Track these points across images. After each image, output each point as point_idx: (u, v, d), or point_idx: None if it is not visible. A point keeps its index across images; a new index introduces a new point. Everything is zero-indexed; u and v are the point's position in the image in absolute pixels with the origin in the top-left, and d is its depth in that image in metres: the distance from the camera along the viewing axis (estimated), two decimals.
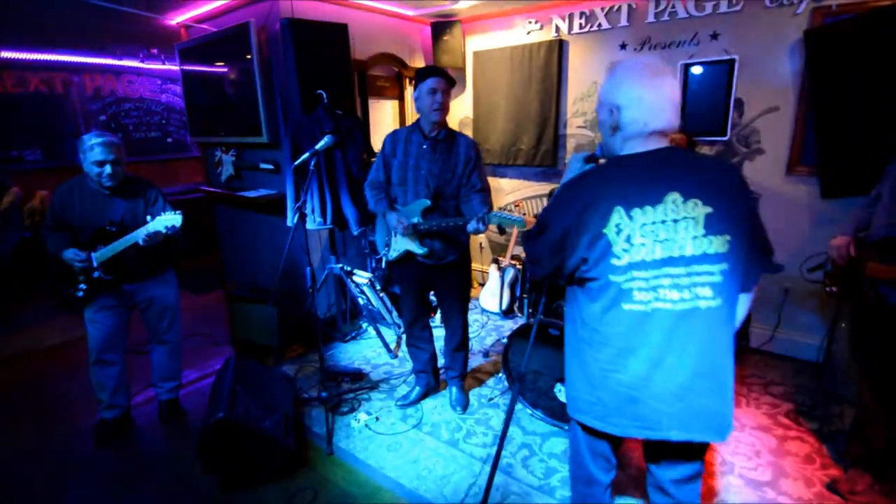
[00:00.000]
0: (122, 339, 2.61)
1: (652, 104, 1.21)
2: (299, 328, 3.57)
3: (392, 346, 3.53)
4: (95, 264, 2.36)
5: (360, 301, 3.60)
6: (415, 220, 2.38)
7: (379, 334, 3.48)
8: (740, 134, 3.24)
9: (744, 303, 1.33)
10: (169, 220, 2.26)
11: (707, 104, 3.31)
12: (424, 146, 2.36)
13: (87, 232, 2.37)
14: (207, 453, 2.23)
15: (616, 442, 1.52)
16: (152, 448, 2.61)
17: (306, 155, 2.38)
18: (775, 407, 2.73)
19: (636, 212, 1.19)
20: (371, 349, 3.56)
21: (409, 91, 4.41)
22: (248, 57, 3.33)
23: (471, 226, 2.15)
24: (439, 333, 2.81)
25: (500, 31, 4.19)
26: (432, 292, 2.84)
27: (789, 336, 3.29)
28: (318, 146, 2.41)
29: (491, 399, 2.88)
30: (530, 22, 3.97)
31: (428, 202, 2.36)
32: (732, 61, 3.14)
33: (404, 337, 2.78)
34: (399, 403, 2.81)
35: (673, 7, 3.29)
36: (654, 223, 1.19)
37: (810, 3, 2.83)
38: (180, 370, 2.88)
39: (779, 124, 3.10)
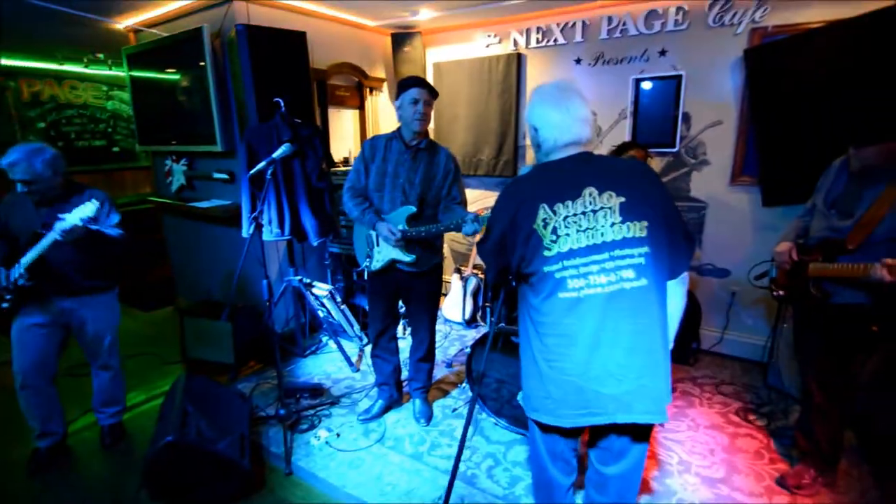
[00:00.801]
0: (51, 363, 2.40)
1: (560, 123, 1.39)
2: (256, 344, 3.43)
3: (354, 359, 3.45)
4: (22, 270, 2.19)
5: (321, 314, 3.51)
6: (401, 227, 2.36)
7: (340, 348, 3.40)
8: (688, 146, 3.40)
9: (676, 292, 1.44)
10: (83, 211, 2.04)
11: (657, 117, 3.47)
12: (405, 154, 2.36)
13: (24, 239, 2.21)
14: (155, 480, 2.10)
15: (573, 441, 1.56)
16: (94, 476, 2.43)
17: (263, 164, 2.31)
18: (726, 406, 2.84)
19: (559, 206, 1.34)
20: (332, 363, 3.47)
21: (369, 101, 4.39)
22: (202, 63, 3.22)
23: (467, 228, 2.15)
24: (402, 345, 2.78)
25: (460, 43, 4.25)
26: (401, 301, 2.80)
27: (737, 337, 3.46)
28: (275, 154, 2.35)
29: (455, 409, 2.85)
30: (489, 35, 4.05)
31: (413, 209, 2.35)
32: (680, 77, 3.31)
33: (367, 349, 2.71)
34: (361, 418, 2.74)
35: (624, 24, 3.44)
36: (575, 214, 1.34)
37: (749, 24, 3.03)
38: (124, 394, 2.70)
39: (722, 137, 3.27)
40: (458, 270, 4.25)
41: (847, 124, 1.93)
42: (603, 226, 1.33)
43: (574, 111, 1.39)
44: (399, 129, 2.39)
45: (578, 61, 3.71)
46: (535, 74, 3.94)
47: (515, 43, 3.94)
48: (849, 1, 2.72)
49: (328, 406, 2.91)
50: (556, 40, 3.76)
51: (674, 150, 3.43)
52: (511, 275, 1.51)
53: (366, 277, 2.50)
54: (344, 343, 3.57)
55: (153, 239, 4.75)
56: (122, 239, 2.31)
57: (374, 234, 2.44)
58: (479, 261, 4.29)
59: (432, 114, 2.36)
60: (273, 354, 2.56)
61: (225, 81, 3.31)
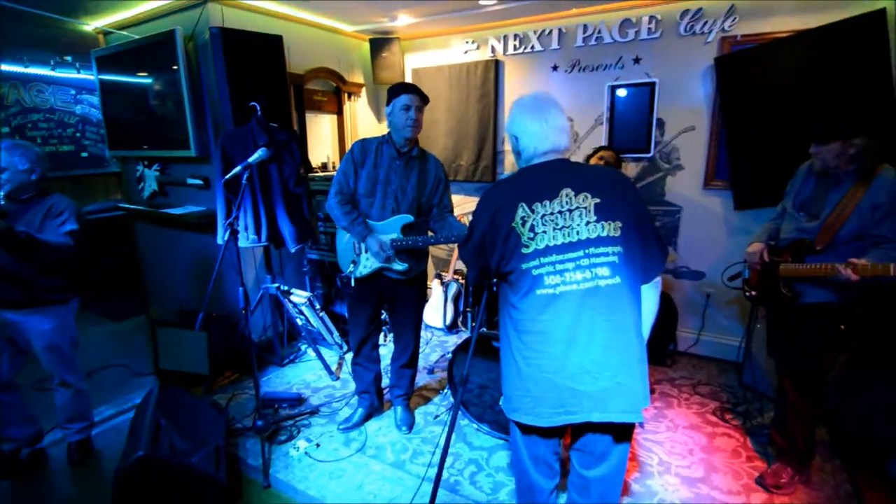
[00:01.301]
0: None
1: (539, 132, 1.47)
2: (232, 353, 3.35)
3: (333, 367, 3.40)
4: None
5: (299, 322, 3.45)
6: (394, 235, 2.33)
7: (319, 356, 3.34)
8: (662, 151, 3.47)
9: (649, 296, 1.50)
10: None
11: (633, 123, 3.53)
12: (397, 161, 2.33)
13: None
14: (126, 497, 2.01)
15: (554, 443, 1.56)
16: (61, 495, 2.32)
17: (238, 168, 2.26)
18: (703, 406, 2.89)
19: (536, 205, 1.40)
20: (311, 372, 3.41)
21: (348, 106, 4.36)
22: (175, 66, 3.15)
23: None
24: (382, 352, 2.75)
25: (438, 49, 4.27)
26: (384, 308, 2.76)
27: (713, 338, 3.53)
28: (250, 159, 2.30)
29: (437, 416, 2.83)
30: (467, 42, 4.07)
31: (411, 218, 2.33)
32: (653, 84, 3.38)
33: (347, 357, 2.66)
34: (342, 427, 2.69)
35: (599, 32, 3.50)
36: (552, 213, 1.40)
37: (719, 33, 3.12)
38: (90, 409, 2.59)
39: (695, 142, 3.35)
40: (439, 276, 4.24)
41: (811, 128, 2.00)
42: (578, 224, 1.38)
43: (552, 121, 1.47)
44: (389, 134, 2.35)
45: (555, 68, 3.76)
46: (514, 81, 3.98)
47: (493, 49, 3.97)
48: (812, 13, 2.83)
49: (307, 416, 2.85)
50: (533, 47, 3.81)
51: (649, 155, 3.50)
52: (491, 275, 1.55)
53: (352, 284, 2.44)
54: (323, 351, 3.51)
55: (124, 247, 4.61)
56: (63, 246, 2.18)
57: (379, 237, 2.37)
58: (459, 266, 4.28)
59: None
60: (250, 364, 2.49)
61: (199, 85, 3.24)
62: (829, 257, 1.93)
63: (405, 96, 2.23)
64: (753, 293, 2.34)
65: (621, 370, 1.36)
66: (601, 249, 1.37)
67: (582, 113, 3.70)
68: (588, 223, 1.38)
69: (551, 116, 1.47)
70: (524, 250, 1.40)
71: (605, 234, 1.37)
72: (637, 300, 1.43)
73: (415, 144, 2.36)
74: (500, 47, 3.94)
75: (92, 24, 3.74)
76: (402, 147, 2.32)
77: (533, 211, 1.40)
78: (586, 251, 1.37)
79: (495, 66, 3.96)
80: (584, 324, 1.36)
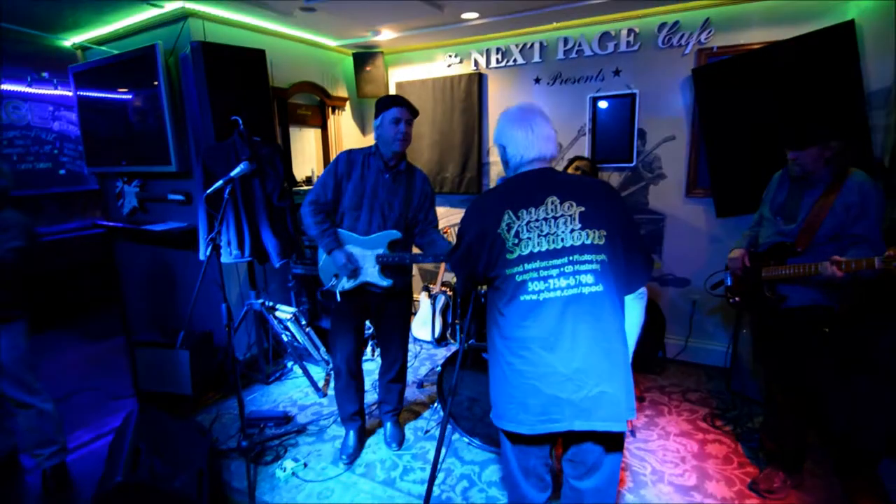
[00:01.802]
0: None
1: (524, 141, 1.49)
2: (216, 372, 3.26)
3: (320, 383, 3.33)
4: None
5: (284, 338, 3.38)
6: (380, 251, 2.28)
7: (306, 372, 3.28)
8: (644, 160, 3.52)
9: (633, 306, 1.49)
10: None
11: (615, 134, 3.58)
12: (385, 175, 2.28)
13: None
14: None
15: (544, 453, 1.54)
16: None
17: (220, 183, 2.22)
18: (694, 413, 2.89)
19: (522, 212, 1.42)
20: (297, 389, 3.34)
21: (332, 120, 4.35)
22: (155, 81, 3.12)
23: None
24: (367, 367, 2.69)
25: (422, 63, 4.30)
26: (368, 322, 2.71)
27: (700, 345, 3.55)
28: (232, 173, 2.26)
29: (427, 431, 2.78)
30: (451, 56, 4.11)
31: (399, 234, 2.29)
32: (634, 95, 3.44)
33: (337, 377, 2.58)
34: (345, 460, 2.51)
35: (580, 45, 3.56)
36: (537, 220, 1.41)
37: (695, 45, 3.19)
38: (60, 432, 2.44)
39: (676, 151, 3.41)
40: (427, 288, 4.21)
41: (788, 135, 2.06)
42: (563, 231, 1.39)
43: (538, 130, 1.49)
44: (376, 147, 2.30)
45: (537, 80, 3.81)
46: (497, 93, 4.02)
47: (476, 63, 4.01)
48: (784, 25, 2.92)
49: (294, 434, 2.78)
50: (515, 60, 3.85)
51: (631, 164, 3.55)
52: (479, 282, 1.56)
53: (338, 299, 2.37)
54: (310, 367, 3.45)
55: (104, 265, 4.49)
56: (2, 262, 2.08)
57: (347, 251, 2.33)
58: (448, 278, 4.26)
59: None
60: (234, 383, 2.42)
61: (180, 100, 3.21)
62: (809, 258, 1.97)
63: (395, 109, 2.19)
64: (737, 299, 2.37)
65: (604, 378, 1.35)
66: (585, 257, 1.38)
67: (565, 124, 3.75)
68: (573, 231, 1.39)
69: (537, 125, 1.49)
70: (509, 256, 1.41)
71: (589, 241, 1.38)
72: (620, 309, 1.43)
73: (403, 158, 2.33)
74: (483, 61, 3.98)
75: (70, 40, 3.69)
76: (390, 161, 2.28)
77: (518, 217, 1.41)
78: (571, 258, 1.38)
79: (479, 80, 4.00)
80: (567, 331, 1.36)
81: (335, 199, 2.31)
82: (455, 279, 1.67)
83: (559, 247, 1.38)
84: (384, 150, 2.27)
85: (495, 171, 4.16)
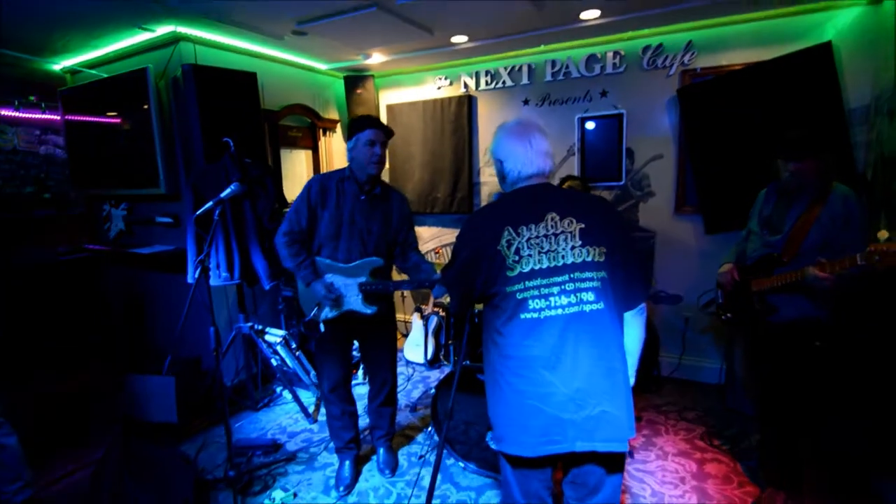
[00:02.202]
0: None
1: (522, 156, 1.48)
2: (203, 398, 3.17)
3: (311, 409, 3.25)
4: None
5: (274, 362, 3.31)
6: (362, 279, 2.23)
7: (296, 398, 3.20)
8: (633, 179, 3.56)
9: (633, 324, 1.47)
10: None
11: (603, 153, 3.63)
12: (362, 199, 2.22)
13: None
14: None
15: (545, 476, 1.51)
16: None
17: (210, 204, 2.19)
18: (691, 431, 2.85)
19: (522, 228, 1.40)
20: (287, 415, 3.25)
21: (323, 142, 4.37)
22: (145, 103, 3.11)
23: (438, 290, 2.05)
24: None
25: (412, 86, 4.35)
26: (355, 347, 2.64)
27: (694, 362, 3.53)
28: (223, 194, 2.24)
29: (421, 456, 2.71)
30: (440, 78, 4.17)
31: (381, 261, 2.24)
32: (621, 115, 3.50)
33: (328, 405, 2.50)
34: (342, 492, 2.42)
35: (567, 68, 3.64)
36: (537, 237, 1.39)
37: (679, 67, 3.27)
38: (22, 465, 2.28)
39: (664, 169, 3.46)
40: (419, 309, 4.17)
41: (770, 152, 2.09)
42: (564, 248, 1.37)
43: (536, 145, 1.48)
44: (350, 170, 2.24)
45: (526, 102, 3.87)
46: (486, 114, 4.07)
47: (466, 85, 4.07)
48: (765, 46, 3.01)
49: (283, 463, 2.69)
50: (504, 83, 3.92)
51: (620, 183, 3.58)
52: (474, 300, 1.53)
53: (322, 329, 2.29)
54: (300, 392, 3.37)
55: (88, 290, 4.40)
56: None
57: (326, 281, 2.25)
58: (440, 299, 4.23)
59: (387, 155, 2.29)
60: (222, 409, 2.34)
61: (169, 122, 3.20)
62: (795, 268, 1.99)
63: (370, 131, 2.13)
64: (729, 315, 2.37)
65: (605, 398, 1.33)
66: (586, 274, 1.36)
67: (554, 144, 3.73)
68: (573, 248, 1.37)
69: (535, 140, 1.48)
70: (509, 273, 1.38)
71: (590, 258, 1.37)
72: (620, 326, 1.41)
73: (378, 181, 2.26)
74: (472, 83, 4.04)
75: (60, 64, 3.68)
76: (366, 184, 2.21)
77: (518, 234, 1.39)
78: (571, 275, 1.36)
79: (468, 101, 4.05)
80: (568, 350, 1.33)
81: (310, 227, 2.23)
82: (448, 299, 1.64)
83: (560, 264, 1.36)
84: (359, 173, 2.20)
85: (486, 191, 4.18)
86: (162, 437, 2.88)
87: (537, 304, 1.36)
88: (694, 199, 3.37)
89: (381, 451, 2.61)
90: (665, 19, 3.07)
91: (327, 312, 2.28)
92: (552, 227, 1.39)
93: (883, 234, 1.69)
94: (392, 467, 2.56)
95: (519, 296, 1.37)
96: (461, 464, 2.54)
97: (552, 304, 1.35)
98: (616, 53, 3.45)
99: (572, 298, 1.35)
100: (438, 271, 2.19)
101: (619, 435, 1.34)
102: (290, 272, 3.35)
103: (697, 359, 3.53)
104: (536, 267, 1.37)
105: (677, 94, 3.27)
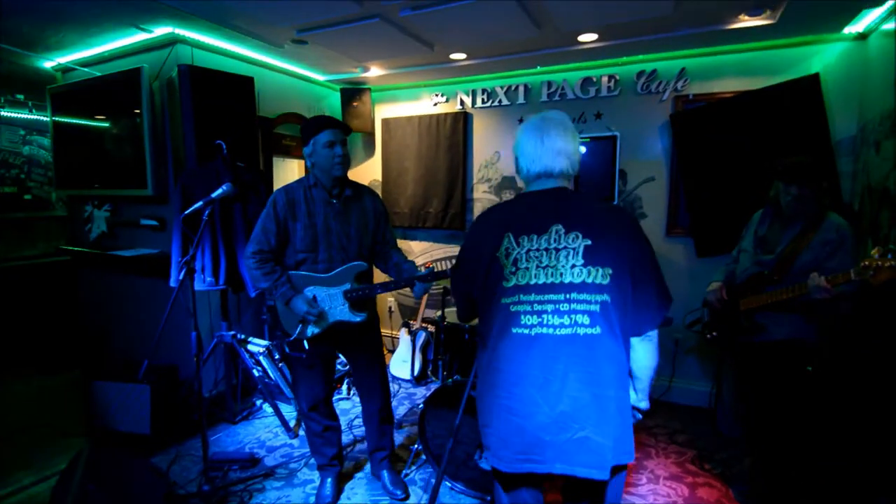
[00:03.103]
0: None
1: (532, 153, 1.40)
2: (178, 409, 3.03)
3: (292, 423, 3.13)
4: None
5: (255, 373, 3.19)
6: (347, 286, 2.14)
7: (277, 411, 3.08)
8: (626, 200, 3.60)
9: (642, 350, 1.38)
10: None
11: (597, 174, 3.66)
12: (334, 204, 2.12)
13: None
14: None
15: (538, 496, 1.47)
16: None
17: (200, 203, 2.14)
18: (681, 455, 2.81)
19: (523, 238, 1.34)
20: (266, 430, 3.12)
21: None
22: (138, 103, 3.06)
23: (418, 289, 2.05)
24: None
25: (408, 101, 4.38)
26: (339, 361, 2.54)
27: (684, 385, 3.51)
28: (214, 194, 2.19)
29: (407, 475, 2.61)
30: (437, 94, 4.20)
31: (364, 265, 2.17)
32: (615, 137, 3.55)
33: (307, 422, 2.38)
34: None
35: (563, 89, 3.70)
36: (538, 249, 1.32)
37: (672, 93, 3.35)
38: None
39: (656, 192, 3.50)
40: (407, 325, 4.09)
41: (762, 177, 2.13)
42: (563, 266, 1.30)
43: (549, 142, 1.38)
44: (313, 175, 2.12)
45: (521, 121, 3.89)
46: (481, 132, 4.10)
47: (462, 102, 4.11)
48: (755, 75, 3.10)
49: (261, 479, 2.56)
50: (500, 101, 3.96)
51: (613, 204, 3.61)
52: (475, 305, 1.47)
53: (306, 347, 2.16)
54: (281, 406, 3.25)
55: (64, 293, 4.24)
56: None
57: (311, 295, 2.14)
58: (428, 314, 4.17)
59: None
60: (199, 421, 2.24)
61: (162, 122, 3.15)
62: (788, 286, 2.00)
63: (326, 132, 2.03)
64: (714, 334, 2.37)
65: (590, 424, 1.27)
66: (584, 296, 1.28)
67: None
68: (573, 266, 1.29)
69: (549, 137, 1.38)
70: (505, 283, 1.34)
71: (590, 280, 1.28)
72: (620, 352, 1.33)
73: (346, 182, 2.15)
74: (468, 101, 4.08)
75: (53, 61, 3.62)
76: (334, 188, 2.11)
77: (518, 244, 1.34)
78: (567, 296, 1.29)
79: (464, 118, 4.08)
80: (557, 371, 1.27)
81: (280, 244, 2.11)
82: (455, 301, 1.59)
83: (557, 282, 1.29)
84: (323, 178, 2.09)
85: (479, 208, 4.18)
86: (133, 449, 2.74)
87: (529, 319, 1.30)
88: (685, 221, 3.40)
89: (385, 473, 2.46)
90: (659, 46, 3.15)
91: (312, 329, 2.16)
92: (555, 240, 1.32)
93: (876, 251, 1.71)
94: (403, 488, 2.41)
95: (512, 308, 1.32)
96: (448, 483, 2.45)
97: (545, 322, 1.29)
98: (611, 77, 3.52)
99: (566, 320, 1.28)
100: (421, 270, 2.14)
101: (601, 462, 1.27)
102: (265, 292, 3.27)
103: (687, 381, 3.50)
104: (532, 282, 1.31)
105: (670, 119, 3.33)
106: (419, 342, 3.93)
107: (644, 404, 1.47)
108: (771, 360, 2.12)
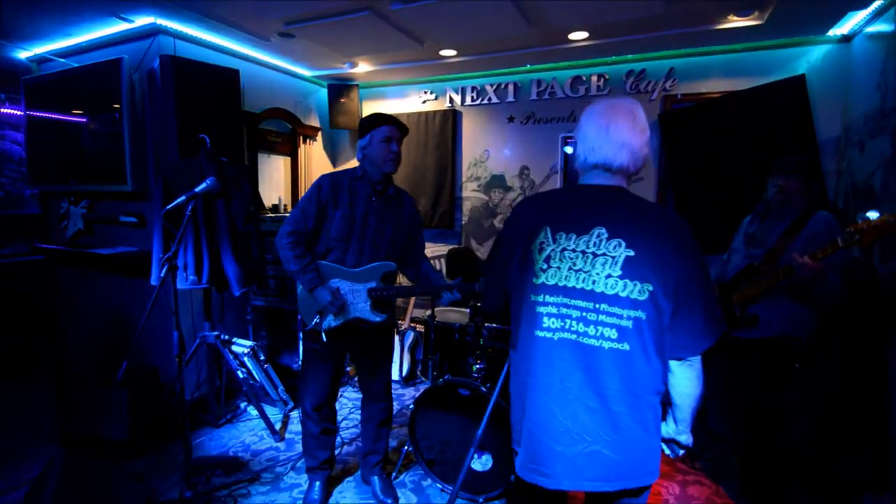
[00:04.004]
0: None
1: (592, 141, 1.27)
2: (158, 413, 2.92)
3: (278, 426, 3.05)
4: None
5: (240, 374, 3.10)
6: (372, 284, 2.09)
7: (262, 413, 2.99)
8: None
9: (681, 376, 1.27)
10: None
11: None
12: (374, 201, 2.09)
13: None
14: None
15: None
16: None
17: (183, 198, 2.06)
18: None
19: (561, 235, 1.24)
20: (251, 433, 3.04)
21: (303, 149, 4.26)
22: (118, 95, 2.95)
23: (445, 297, 2.00)
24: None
25: (396, 99, 4.33)
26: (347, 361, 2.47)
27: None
28: (197, 189, 2.11)
29: (395, 477, 2.55)
30: (426, 92, 4.17)
31: (394, 265, 2.12)
32: None
33: (294, 414, 2.33)
34: None
35: (552, 88, 3.69)
36: (574, 251, 1.22)
37: (661, 92, 3.37)
38: None
39: (645, 191, 3.51)
40: (395, 324, 4.04)
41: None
42: (598, 274, 1.20)
43: (613, 131, 1.25)
44: (362, 169, 2.11)
45: (511, 119, 3.90)
46: (470, 130, 4.08)
47: (451, 100, 4.08)
48: (742, 76, 3.13)
49: (246, 483, 2.48)
50: (490, 99, 3.94)
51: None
52: (504, 298, 1.40)
53: (324, 339, 2.09)
54: (266, 408, 3.16)
55: (39, 293, 4.08)
56: None
57: (332, 287, 2.10)
58: (416, 314, 4.12)
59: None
60: (181, 424, 2.15)
61: (142, 115, 3.04)
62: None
63: (386, 127, 2.03)
64: None
65: (603, 438, 1.19)
66: (615, 310, 1.18)
67: (537, 162, 3.81)
68: (609, 277, 1.19)
69: (614, 126, 1.25)
70: (534, 279, 1.26)
71: (625, 294, 1.17)
72: (652, 373, 1.20)
73: (391, 181, 2.16)
74: (458, 98, 4.05)
75: (29, 52, 3.48)
76: (379, 184, 2.10)
77: (555, 240, 1.25)
78: (597, 306, 1.19)
79: (453, 116, 4.05)
80: (575, 381, 1.21)
81: (316, 228, 2.09)
82: (485, 291, 1.53)
83: (588, 289, 1.20)
84: (373, 172, 2.08)
85: (468, 206, 4.15)
86: (111, 454, 2.63)
87: (553, 322, 1.23)
88: None
89: (376, 479, 2.39)
90: (649, 45, 3.17)
91: (330, 321, 2.11)
92: (594, 245, 1.21)
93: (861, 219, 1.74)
94: (394, 496, 2.34)
95: (538, 308, 1.25)
96: (439, 485, 2.41)
97: (567, 327, 1.21)
98: (601, 76, 3.52)
99: (591, 330, 1.19)
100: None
101: (606, 475, 1.20)
102: (266, 278, 3.21)
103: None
104: (562, 283, 1.22)
105: (658, 119, 3.35)
106: (407, 342, 3.88)
107: (685, 438, 1.36)
108: (761, 357, 2.13)
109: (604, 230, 1.20)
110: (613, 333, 1.18)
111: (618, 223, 1.21)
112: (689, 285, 1.19)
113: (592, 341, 1.19)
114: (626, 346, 1.18)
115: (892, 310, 2.11)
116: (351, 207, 2.08)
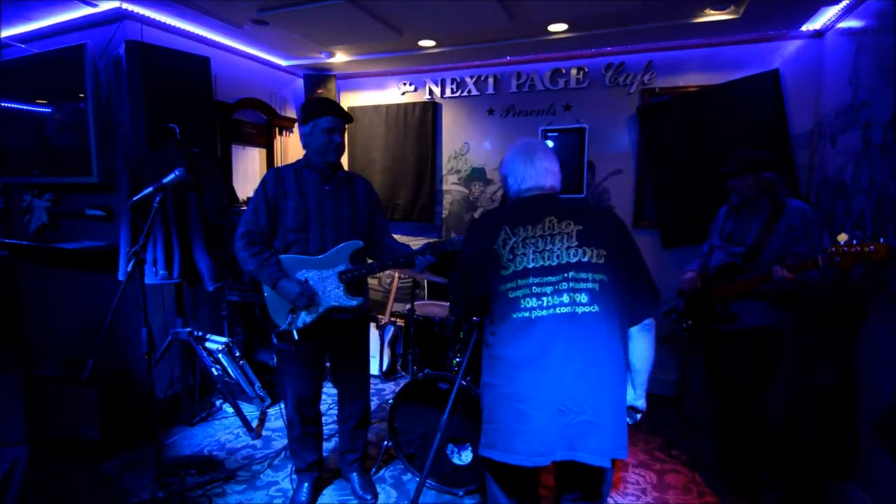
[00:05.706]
0: None
1: (523, 171, 1.52)
2: (130, 411, 2.83)
3: (254, 424, 2.99)
4: None
5: (214, 372, 3.03)
6: (342, 267, 2.03)
7: (238, 411, 2.93)
8: (594, 192, 3.62)
9: (641, 340, 1.42)
10: None
11: (565, 166, 3.59)
12: (327, 187, 2.05)
13: None
14: None
15: (532, 494, 1.49)
16: None
17: (149, 189, 1.98)
18: (649, 443, 2.85)
19: (519, 228, 1.41)
20: (226, 431, 2.97)
21: (279, 141, 4.17)
22: (81, 83, 2.83)
23: (420, 260, 1.96)
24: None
25: (375, 90, 4.26)
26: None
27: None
28: (165, 180, 2.03)
29: (375, 473, 2.53)
30: (405, 84, 4.11)
31: (361, 243, 2.05)
32: (584, 129, 3.56)
33: (270, 411, 2.27)
34: None
35: (532, 80, 3.67)
36: (533, 236, 1.39)
37: (639, 86, 3.38)
38: None
39: (623, 184, 3.54)
40: (375, 319, 3.99)
41: (729, 165, 2.20)
42: (559, 248, 1.36)
43: (538, 163, 1.51)
44: (306, 159, 2.08)
45: (491, 112, 3.87)
46: (450, 122, 4.04)
47: (431, 92, 4.03)
48: (719, 71, 3.17)
49: (221, 482, 2.43)
50: (469, 91, 3.91)
51: (581, 196, 3.62)
52: (477, 304, 1.53)
53: (296, 338, 2.01)
54: (242, 406, 3.10)
55: (4, 291, 3.91)
56: None
57: (303, 278, 2.03)
58: (397, 308, 4.09)
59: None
60: (152, 423, 2.08)
61: (108, 104, 2.92)
62: (758, 275, 2.05)
63: (328, 118, 1.98)
64: (690, 322, 2.40)
65: (590, 406, 1.29)
66: (582, 275, 1.34)
67: None
68: (569, 248, 1.36)
69: (538, 158, 1.52)
70: (503, 272, 1.38)
71: (586, 259, 1.35)
72: (618, 334, 1.36)
73: (339, 166, 2.12)
74: (437, 90, 4.00)
75: None
76: (327, 170, 2.06)
77: (515, 233, 1.40)
78: (565, 275, 1.34)
79: (433, 108, 4.00)
80: (558, 351, 1.30)
81: (271, 224, 2.03)
82: (454, 300, 1.62)
83: (554, 263, 1.35)
84: (315, 160, 2.04)
85: (448, 199, 4.12)
86: (80, 456, 2.54)
87: (529, 302, 1.34)
88: (652, 213, 3.46)
89: (355, 475, 2.35)
90: (627, 38, 3.17)
91: (304, 317, 2.04)
92: (549, 228, 1.39)
93: (842, 237, 1.75)
94: (373, 493, 2.31)
95: (511, 294, 1.36)
96: (418, 479, 2.39)
97: (544, 304, 1.33)
98: (580, 69, 3.52)
99: (564, 298, 1.32)
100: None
101: (603, 450, 1.29)
102: (240, 272, 3.11)
103: (653, 371, 3.56)
104: (530, 265, 1.36)
105: (637, 113, 3.36)
106: (387, 337, 3.85)
107: (641, 402, 1.50)
108: (741, 348, 2.16)
109: (553, 217, 1.40)
110: (584, 298, 1.32)
111: (564, 211, 1.42)
112: (632, 255, 1.41)
113: (566, 309, 1.32)
114: (596, 308, 1.32)
115: (862, 306, 2.17)
116: (302, 196, 2.04)
